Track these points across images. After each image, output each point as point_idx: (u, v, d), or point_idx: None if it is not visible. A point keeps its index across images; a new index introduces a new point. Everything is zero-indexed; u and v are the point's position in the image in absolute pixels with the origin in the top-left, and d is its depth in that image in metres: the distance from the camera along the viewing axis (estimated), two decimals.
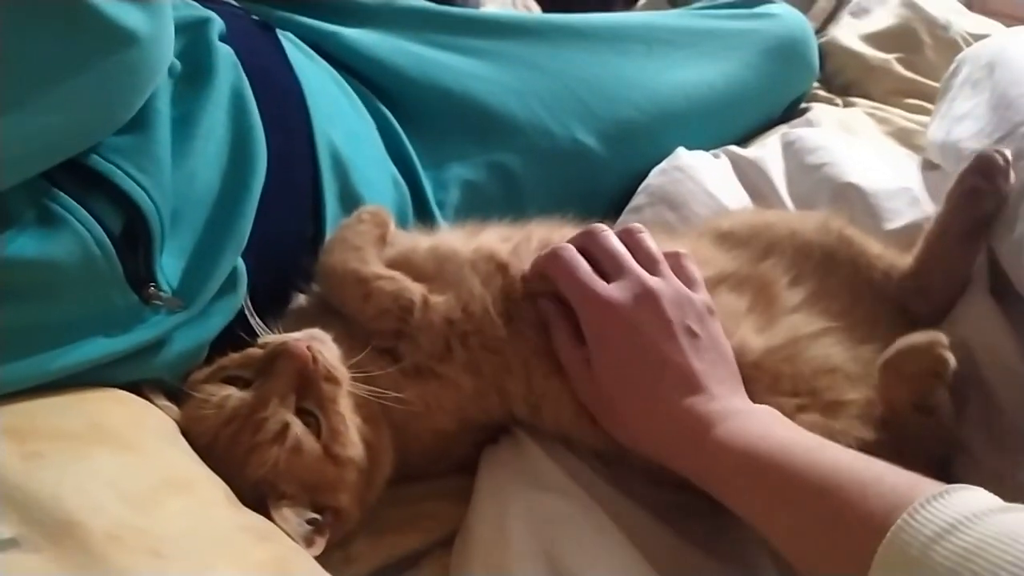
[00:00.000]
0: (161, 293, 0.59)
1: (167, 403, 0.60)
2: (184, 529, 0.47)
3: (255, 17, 0.87)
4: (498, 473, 0.65)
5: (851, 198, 0.81)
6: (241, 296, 0.66)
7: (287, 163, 0.73)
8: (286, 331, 0.63)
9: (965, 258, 0.69)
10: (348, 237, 0.70)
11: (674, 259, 0.67)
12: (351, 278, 0.67)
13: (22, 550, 0.40)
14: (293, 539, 0.54)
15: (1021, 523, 0.40)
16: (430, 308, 0.66)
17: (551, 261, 0.66)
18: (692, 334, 0.62)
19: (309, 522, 0.57)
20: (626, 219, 0.88)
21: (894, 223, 0.77)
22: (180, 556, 0.44)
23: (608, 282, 0.64)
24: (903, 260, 0.71)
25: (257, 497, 0.55)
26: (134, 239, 0.57)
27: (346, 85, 0.88)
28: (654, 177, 0.91)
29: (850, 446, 0.55)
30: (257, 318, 0.64)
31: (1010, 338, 0.65)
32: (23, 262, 0.51)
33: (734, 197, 0.87)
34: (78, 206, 0.54)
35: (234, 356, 0.63)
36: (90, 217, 0.54)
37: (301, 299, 0.72)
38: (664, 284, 0.64)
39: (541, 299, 0.66)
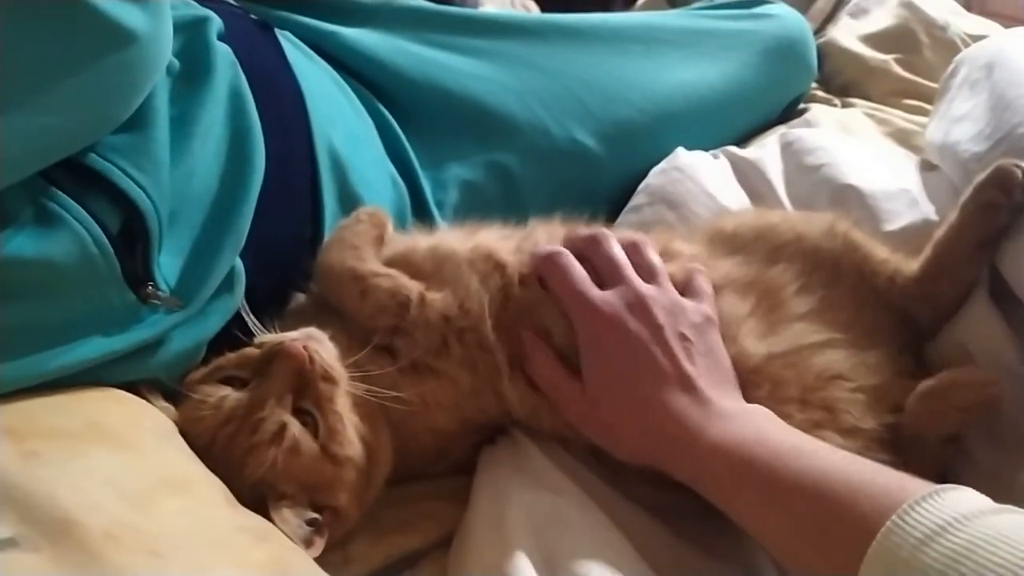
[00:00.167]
0: (159, 292, 0.58)
1: (165, 404, 0.60)
2: (182, 529, 0.47)
3: (254, 16, 0.87)
4: (496, 473, 0.65)
5: (850, 199, 0.80)
6: (239, 296, 0.66)
7: (286, 163, 0.73)
8: (284, 331, 0.63)
9: (973, 268, 0.68)
10: (346, 237, 0.70)
11: (686, 274, 0.68)
12: (348, 275, 0.67)
13: (21, 549, 0.40)
14: (292, 540, 0.54)
15: (1011, 524, 0.41)
16: (427, 305, 0.66)
17: (547, 264, 0.67)
18: (684, 339, 0.62)
19: (309, 522, 0.57)
20: (625, 219, 0.88)
21: (893, 224, 0.77)
22: (178, 556, 0.44)
23: (603, 289, 0.65)
24: (908, 266, 0.70)
25: (256, 498, 0.55)
26: (132, 238, 0.57)
27: (345, 85, 0.88)
28: (653, 177, 0.91)
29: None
30: (253, 318, 0.64)
31: (1009, 341, 0.65)
32: (21, 261, 0.51)
33: (733, 197, 0.86)
34: (76, 205, 0.54)
35: (231, 356, 0.63)
36: (88, 216, 0.54)
37: (299, 299, 0.72)
38: (658, 292, 0.64)
39: (522, 331, 0.67)
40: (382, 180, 0.84)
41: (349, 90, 0.88)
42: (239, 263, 0.66)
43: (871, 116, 1.09)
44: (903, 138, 1.02)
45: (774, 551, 0.54)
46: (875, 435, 0.62)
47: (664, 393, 0.60)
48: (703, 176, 0.88)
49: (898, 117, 1.08)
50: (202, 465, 0.55)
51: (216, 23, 0.74)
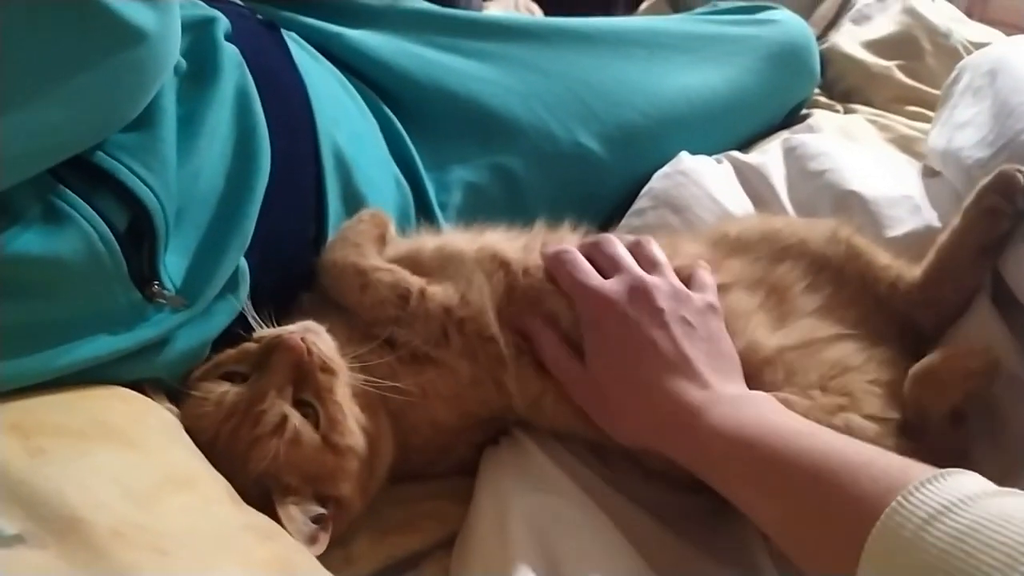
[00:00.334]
0: (164, 291, 0.59)
1: (169, 405, 0.60)
2: (187, 527, 0.47)
3: (260, 17, 0.88)
4: (499, 474, 0.65)
5: (852, 205, 0.81)
6: (243, 296, 0.66)
7: (290, 163, 0.73)
8: (284, 325, 0.63)
9: (976, 273, 0.69)
10: (348, 235, 0.72)
11: (690, 268, 0.69)
12: (350, 270, 0.68)
13: (28, 546, 0.40)
14: (296, 539, 0.54)
15: (1014, 506, 0.40)
16: (427, 297, 0.67)
17: (554, 259, 0.68)
18: (686, 323, 0.63)
19: (314, 519, 0.57)
20: (628, 222, 0.89)
21: (895, 231, 0.78)
22: (184, 554, 0.44)
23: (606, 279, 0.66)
24: (911, 271, 0.71)
25: (261, 493, 0.56)
26: (139, 237, 0.57)
27: (350, 86, 0.88)
28: (657, 181, 0.91)
29: None
30: (254, 313, 0.65)
31: (1012, 345, 0.65)
32: (28, 259, 0.51)
33: (737, 202, 0.87)
34: (83, 203, 0.54)
35: (230, 352, 0.64)
36: (95, 214, 0.54)
37: (303, 297, 0.72)
38: (660, 280, 0.66)
39: (527, 317, 0.68)
40: (386, 181, 0.84)
41: (354, 91, 0.88)
42: (243, 262, 0.66)
43: (873, 122, 1.10)
44: (905, 144, 1.02)
45: (773, 534, 0.54)
46: (898, 424, 0.62)
47: (664, 376, 0.61)
48: (707, 180, 0.88)
49: (900, 123, 1.09)
50: (206, 462, 0.55)
51: (223, 23, 0.74)
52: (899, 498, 0.42)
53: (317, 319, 0.65)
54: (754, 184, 0.90)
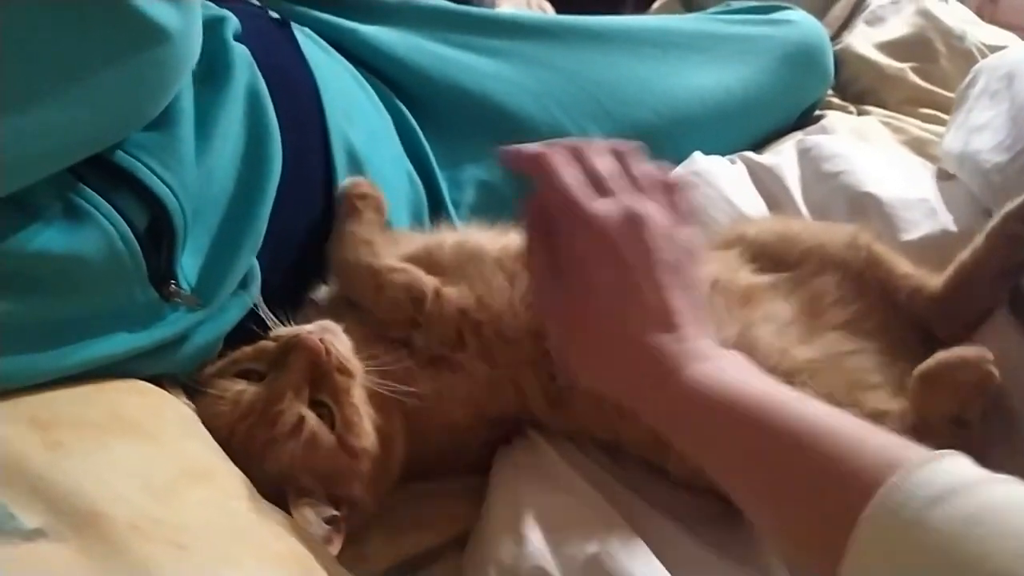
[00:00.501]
0: (180, 291, 0.59)
1: (186, 400, 0.60)
2: (205, 520, 0.47)
3: (272, 14, 0.88)
4: (512, 475, 0.65)
5: (867, 207, 0.80)
6: (255, 292, 0.66)
7: (301, 157, 0.73)
8: (298, 324, 0.63)
9: (995, 293, 0.68)
10: (357, 232, 0.71)
11: (670, 190, 0.60)
12: (365, 271, 0.68)
13: (49, 540, 0.40)
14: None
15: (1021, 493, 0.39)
16: (442, 299, 0.66)
17: (534, 163, 0.59)
18: (673, 270, 0.55)
19: (327, 520, 0.57)
20: None
21: (911, 234, 0.77)
22: (201, 548, 0.45)
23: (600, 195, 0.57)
24: (931, 281, 0.70)
25: (275, 492, 0.56)
26: (158, 236, 0.57)
27: (364, 82, 0.88)
28: None
29: None
30: (268, 311, 0.65)
31: None
32: (50, 256, 0.51)
33: (751, 203, 0.86)
34: (104, 202, 0.54)
35: (247, 349, 0.64)
36: (116, 213, 0.54)
37: (318, 293, 0.72)
38: (656, 211, 0.57)
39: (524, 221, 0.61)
40: (399, 177, 0.84)
41: (368, 87, 0.88)
42: (254, 259, 0.66)
43: (887, 124, 1.09)
44: (919, 147, 1.02)
45: (750, 507, 0.49)
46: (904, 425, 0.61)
47: (640, 323, 0.54)
48: (721, 181, 0.88)
49: (914, 126, 1.08)
50: (223, 455, 0.55)
51: (232, 23, 0.74)
52: (899, 475, 0.39)
53: (333, 318, 0.65)
54: (768, 185, 0.89)
